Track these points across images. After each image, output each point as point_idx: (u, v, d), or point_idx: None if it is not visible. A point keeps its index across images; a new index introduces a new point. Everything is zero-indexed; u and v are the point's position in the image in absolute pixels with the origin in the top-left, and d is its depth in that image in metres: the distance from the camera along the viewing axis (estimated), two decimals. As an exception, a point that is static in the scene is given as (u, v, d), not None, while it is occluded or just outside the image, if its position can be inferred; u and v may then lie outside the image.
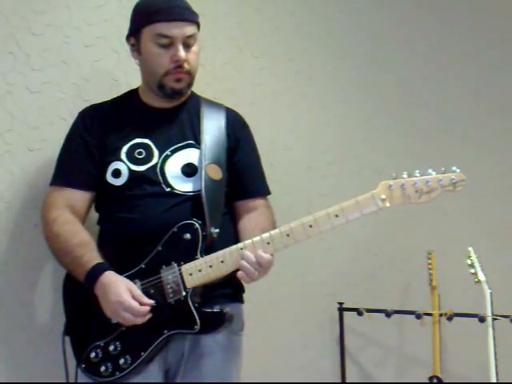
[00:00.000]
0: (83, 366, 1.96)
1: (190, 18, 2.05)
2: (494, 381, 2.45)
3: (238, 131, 2.19)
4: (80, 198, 2.08)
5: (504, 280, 3.24)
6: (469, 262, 2.74)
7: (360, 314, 2.98)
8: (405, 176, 1.84)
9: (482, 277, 2.67)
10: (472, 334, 2.75)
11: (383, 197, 1.85)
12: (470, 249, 2.79)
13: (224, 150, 2.11)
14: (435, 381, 2.85)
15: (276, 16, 2.95)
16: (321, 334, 3.08)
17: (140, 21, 2.06)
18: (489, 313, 2.58)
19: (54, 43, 2.33)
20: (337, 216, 1.88)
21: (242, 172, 2.16)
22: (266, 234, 1.93)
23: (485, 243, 3.13)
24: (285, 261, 2.91)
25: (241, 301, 2.16)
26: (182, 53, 2.01)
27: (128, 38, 2.11)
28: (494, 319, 2.57)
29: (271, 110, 2.92)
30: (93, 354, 1.95)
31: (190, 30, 2.03)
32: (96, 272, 1.93)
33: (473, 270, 2.71)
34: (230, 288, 2.06)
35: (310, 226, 1.90)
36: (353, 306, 3.01)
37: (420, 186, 1.82)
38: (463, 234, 3.30)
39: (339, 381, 3.09)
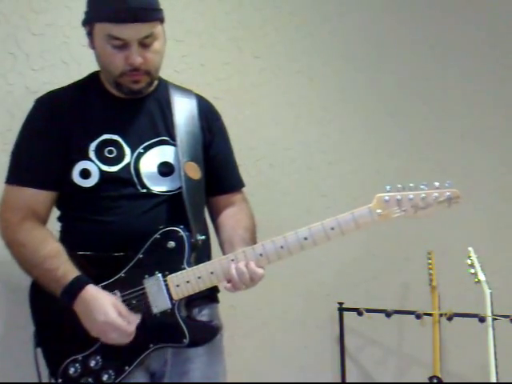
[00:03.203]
0: (60, 380, 1.83)
1: (145, 18, 1.83)
2: (494, 381, 2.45)
3: (211, 123, 2.06)
4: (43, 199, 1.90)
5: (504, 280, 3.25)
6: (469, 261, 2.74)
7: (360, 314, 2.98)
8: (399, 188, 1.80)
9: (481, 277, 2.67)
10: (472, 334, 2.75)
11: (379, 211, 1.79)
12: (470, 249, 2.79)
13: (200, 145, 1.98)
14: (435, 381, 2.85)
15: (276, 16, 2.95)
16: (321, 334, 3.08)
17: (92, 14, 1.87)
18: (489, 313, 2.58)
19: (53, 43, 2.33)
20: (332, 229, 1.82)
21: (218, 167, 2.04)
22: (258, 245, 1.84)
23: (485, 243, 3.13)
24: (285, 261, 2.91)
25: (217, 301, 2.06)
26: (136, 57, 1.83)
27: (83, 24, 1.91)
28: (493, 319, 2.56)
29: (271, 109, 2.92)
30: (72, 370, 1.82)
31: (145, 30, 1.83)
32: (75, 287, 1.78)
33: (473, 270, 2.71)
34: (207, 290, 1.92)
35: (305, 239, 1.83)
36: (353, 306, 3.01)
37: (416, 201, 1.78)
38: (463, 234, 3.30)
39: (339, 381, 3.09)
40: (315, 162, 3.06)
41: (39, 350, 1.89)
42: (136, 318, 1.79)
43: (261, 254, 1.83)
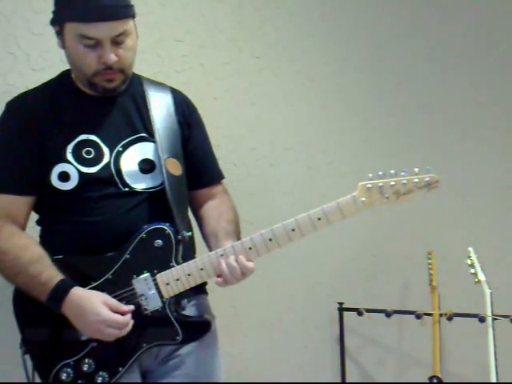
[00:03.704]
0: None
1: (118, 15, 1.78)
2: (494, 381, 2.45)
3: (188, 117, 2.02)
4: (20, 204, 1.86)
5: (504, 280, 3.25)
6: (469, 261, 2.74)
7: (360, 314, 2.98)
8: (380, 175, 1.81)
9: (481, 277, 2.67)
10: (472, 334, 2.75)
11: (363, 199, 1.80)
12: (470, 249, 2.79)
13: (179, 140, 1.96)
14: (435, 381, 2.85)
15: (276, 16, 2.95)
16: (321, 334, 3.08)
17: (62, 13, 1.83)
18: (489, 313, 2.58)
19: (53, 43, 2.31)
20: (319, 219, 1.82)
21: (197, 161, 2.02)
22: (246, 239, 1.83)
23: (485, 243, 3.13)
24: (285, 261, 2.91)
25: (205, 292, 2.03)
26: (110, 55, 1.79)
27: (52, 23, 1.88)
28: (493, 319, 2.57)
29: (271, 109, 2.93)
30: (64, 375, 1.79)
31: (119, 28, 1.78)
32: (61, 291, 1.75)
33: (473, 270, 2.71)
34: None
35: (293, 230, 1.82)
36: (353, 306, 3.01)
37: (397, 187, 1.79)
38: (463, 234, 3.30)
39: (339, 381, 3.09)
40: (315, 162, 3.06)
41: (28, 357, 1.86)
42: (128, 308, 1.77)
43: (250, 248, 1.82)
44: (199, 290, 1.97)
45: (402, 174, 1.81)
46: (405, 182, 1.79)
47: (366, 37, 3.22)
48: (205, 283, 2.00)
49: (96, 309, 1.74)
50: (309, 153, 3.05)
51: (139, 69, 2.15)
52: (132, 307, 1.78)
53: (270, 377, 2.82)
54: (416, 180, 1.79)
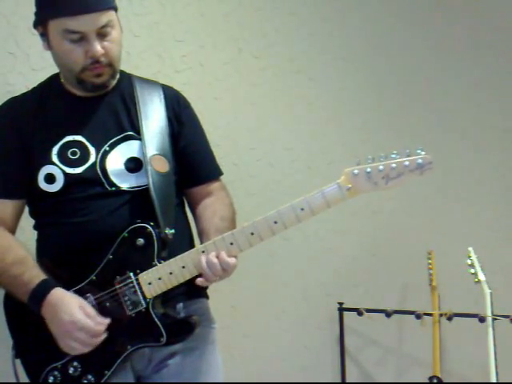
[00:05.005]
0: None
1: (101, 6, 1.78)
2: (494, 381, 2.45)
3: (178, 113, 1.97)
4: (9, 208, 1.88)
5: (504, 280, 3.25)
6: (469, 262, 2.74)
7: (360, 314, 2.98)
8: (369, 161, 1.71)
9: (481, 277, 2.67)
10: (472, 334, 2.75)
11: (349, 186, 1.71)
12: (470, 249, 2.79)
13: (167, 137, 1.91)
14: (435, 381, 2.85)
15: (276, 16, 2.95)
16: (321, 334, 3.08)
17: (44, 12, 1.81)
18: (489, 313, 2.58)
19: (53, 43, 2.33)
20: (302, 209, 1.73)
21: (190, 158, 1.97)
22: (228, 234, 1.77)
23: (485, 243, 3.13)
24: (285, 261, 2.92)
25: (206, 296, 2.00)
26: (96, 48, 1.78)
27: (35, 26, 1.86)
28: (493, 319, 2.56)
29: (271, 109, 2.92)
30: (51, 378, 1.79)
31: (102, 19, 1.77)
32: (41, 291, 1.74)
33: (473, 270, 2.71)
34: (191, 285, 1.82)
35: (275, 222, 1.74)
36: (353, 306, 3.01)
37: (386, 172, 1.68)
38: (463, 234, 3.30)
39: (339, 381, 3.09)
40: (315, 162, 3.06)
41: (19, 362, 1.86)
42: (105, 320, 1.75)
43: (231, 243, 1.76)
44: (198, 293, 1.95)
45: (393, 156, 1.70)
46: (394, 165, 1.69)
47: (366, 37, 3.22)
48: (204, 287, 1.95)
49: (70, 309, 1.73)
50: (309, 153, 3.05)
51: (139, 69, 2.16)
52: (107, 321, 1.75)
53: (270, 377, 2.82)
54: (407, 163, 1.68)
